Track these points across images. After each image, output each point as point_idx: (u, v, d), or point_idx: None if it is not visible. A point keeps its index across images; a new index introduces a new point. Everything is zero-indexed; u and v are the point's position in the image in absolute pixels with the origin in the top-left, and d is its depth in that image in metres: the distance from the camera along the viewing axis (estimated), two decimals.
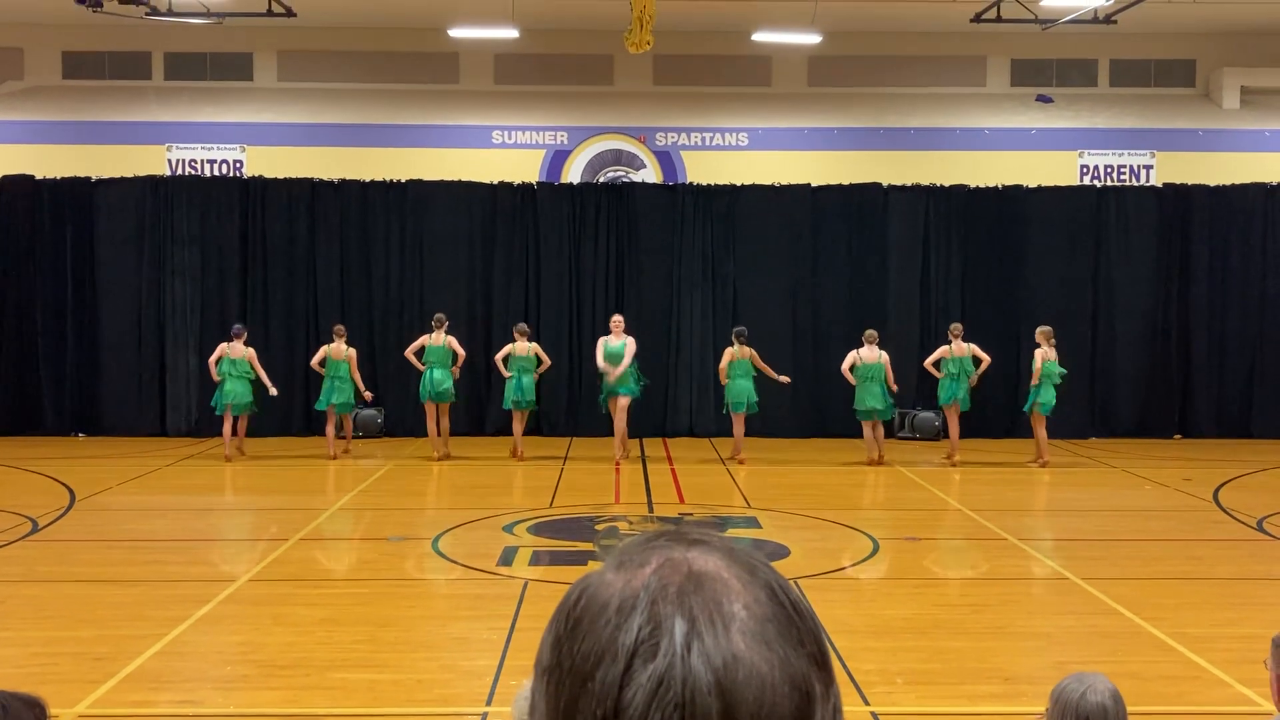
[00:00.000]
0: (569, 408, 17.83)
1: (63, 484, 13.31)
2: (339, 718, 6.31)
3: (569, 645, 0.81)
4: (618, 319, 15.37)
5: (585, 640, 0.80)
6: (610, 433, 15.35)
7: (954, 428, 15.21)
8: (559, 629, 0.83)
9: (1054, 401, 14.86)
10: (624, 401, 15.09)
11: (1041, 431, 14.94)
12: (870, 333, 15.19)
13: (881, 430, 15.16)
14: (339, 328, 15.60)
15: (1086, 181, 18.68)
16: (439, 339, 15.16)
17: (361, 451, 16.03)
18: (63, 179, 17.69)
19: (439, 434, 15.26)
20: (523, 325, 15.51)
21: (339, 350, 15.28)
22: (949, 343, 15.24)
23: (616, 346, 14.99)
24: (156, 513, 12.19)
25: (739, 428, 15.12)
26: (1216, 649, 7.45)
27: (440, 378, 15.04)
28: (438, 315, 15.43)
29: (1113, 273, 18.13)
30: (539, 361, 15.30)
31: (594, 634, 0.80)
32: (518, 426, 15.38)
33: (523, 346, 15.21)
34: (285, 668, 7.08)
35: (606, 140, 18.70)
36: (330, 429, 15.33)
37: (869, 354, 14.90)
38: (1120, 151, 18.79)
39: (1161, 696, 6.62)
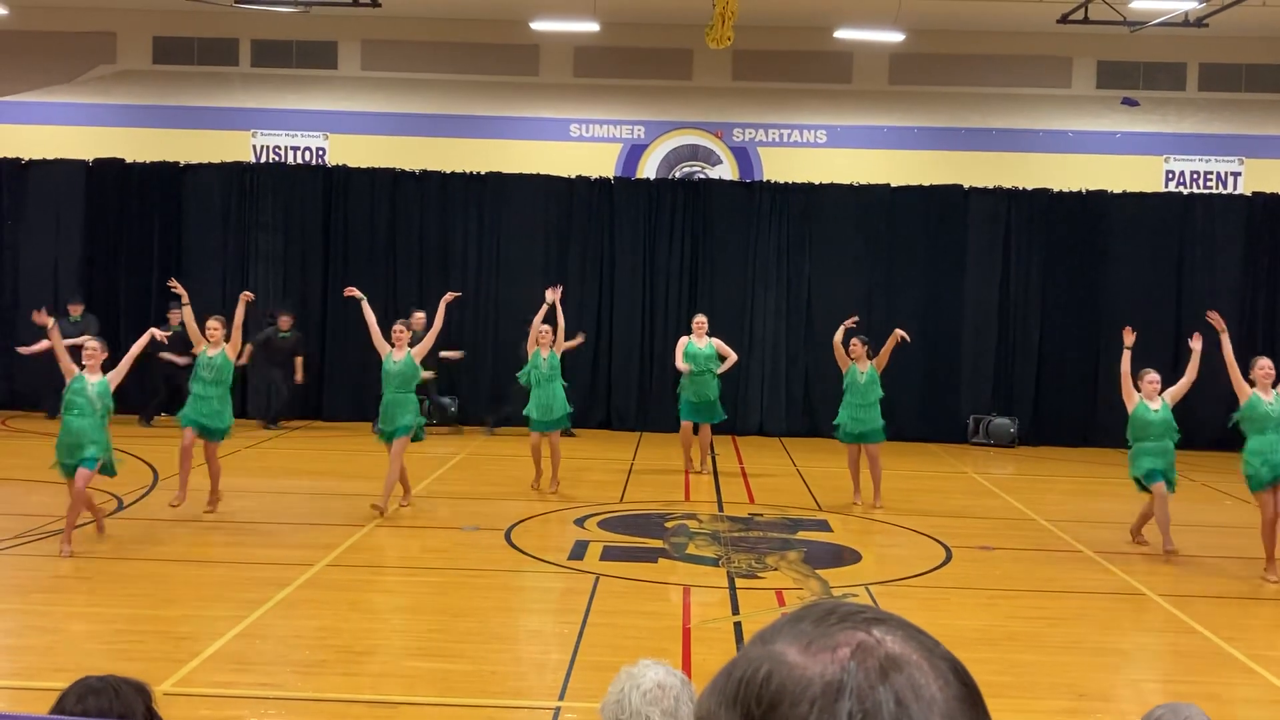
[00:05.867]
0: (640, 403, 17.88)
1: (146, 463, 13.63)
2: (415, 706, 6.40)
3: None
4: (701, 319, 13.89)
5: None
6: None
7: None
8: (750, 709, 0.82)
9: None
10: (707, 427, 14.10)
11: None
12: None
13: None
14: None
15: (1172, 188, 18.32)
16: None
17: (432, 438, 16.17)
18: (151, 163, 18.11)
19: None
20: (546, 326, 12.64)
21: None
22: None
23: (702, 348, 13.67)
24: (236, 494, 12.42)
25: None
26: None
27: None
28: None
29: (1197, 281, 17.78)
30: (560, 368, 12.72)
31: (795, 717, 0.81)
32: (541, 450, 12.62)
33: (546, 351, 12.59)
34: (362, 654, 7.21)
35: (683, 135, 18.69)
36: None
37: None
38: (1207, 157, 18.40)
39: None
